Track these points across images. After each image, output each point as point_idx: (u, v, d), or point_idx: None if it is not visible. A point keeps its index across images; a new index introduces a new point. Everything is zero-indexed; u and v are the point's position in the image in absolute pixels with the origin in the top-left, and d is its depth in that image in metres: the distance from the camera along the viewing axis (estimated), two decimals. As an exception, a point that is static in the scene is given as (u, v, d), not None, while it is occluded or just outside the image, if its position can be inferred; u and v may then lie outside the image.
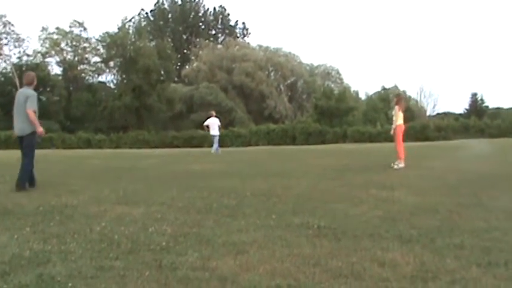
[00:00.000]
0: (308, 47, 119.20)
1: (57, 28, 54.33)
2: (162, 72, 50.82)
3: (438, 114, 68.05)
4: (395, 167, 11.21)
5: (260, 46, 69.42)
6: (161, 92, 49.03)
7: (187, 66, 68.06)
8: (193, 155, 20.57)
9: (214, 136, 21.65)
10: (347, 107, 47.42)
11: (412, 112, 70.76)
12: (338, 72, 73.54)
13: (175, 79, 58.90)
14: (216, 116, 21.92)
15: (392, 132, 12.23)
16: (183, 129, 47.40)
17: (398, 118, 11.84)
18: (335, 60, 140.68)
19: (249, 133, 44.30)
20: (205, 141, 40.96)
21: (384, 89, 63.62)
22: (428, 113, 69.81)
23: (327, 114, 46.10)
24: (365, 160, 14.44)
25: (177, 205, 6.18)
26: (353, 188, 7.72)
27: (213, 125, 21.64)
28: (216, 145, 21.63)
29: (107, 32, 51.57)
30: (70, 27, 54.69)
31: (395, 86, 74.53)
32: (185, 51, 73.66)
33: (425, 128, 39.62)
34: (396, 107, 12.02)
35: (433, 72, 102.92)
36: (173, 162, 15.79)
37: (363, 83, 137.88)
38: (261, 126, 45.66)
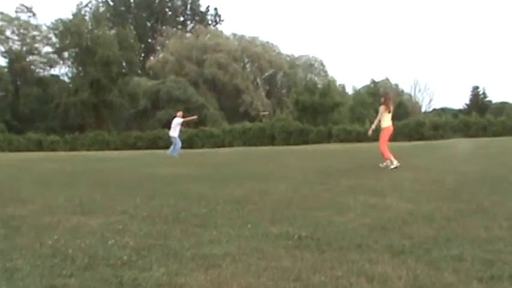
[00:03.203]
0: (288, 35, 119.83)
1: (1, 13, 53.31)
2: (124, 64, 50.42)
3: (435, 110, 69.05)
4: (391, 167, 11.54)
5: (234, 35, 69.63)
6: (123, 86, 48.66)
7: (152, 58, 67.81)
8: (159, 158, 20.44)
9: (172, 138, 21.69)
10: (332, 103, 47.73)
11: (406, 108, 71.65)
12: (322, 64, 74.13)
13: (139, 72, 58.54)
14: (183, 116, 21.94)
15: (370, 132, 12.62)
16: (147, 129, 47.16)
17: (385, 119, 12.26)
18: (318, 51, 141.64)
19: (222, 133, 44.29)
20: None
21: (373, 82, 64.28)
22: (423, 109, 70.85)
23: (309, 110, 46.34)
24: (352, 162, 14.54)
25: (141, 214, 6.13)
26: (338, 193, 7.77)
27: (173, 125, 21.67)
28: (172, 147, 21.76)
29: (59, 19, 50.90)
30: (16, 12, 53.75)
31: (387, 79, 75.44)
32: (150, 40, 73.34)
33: (420, 126, 39.81)
34: (381, 107, 12.39)
35: (428, 63, 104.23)
36: (137, 165, 15.67)
37: (349, 75, 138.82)
38: (236, 125, 45.70)
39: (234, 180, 9.93)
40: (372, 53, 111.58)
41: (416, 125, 39.88)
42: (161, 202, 7.06)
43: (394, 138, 37.26)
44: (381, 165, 12.01)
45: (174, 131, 21.46)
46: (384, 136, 12.31)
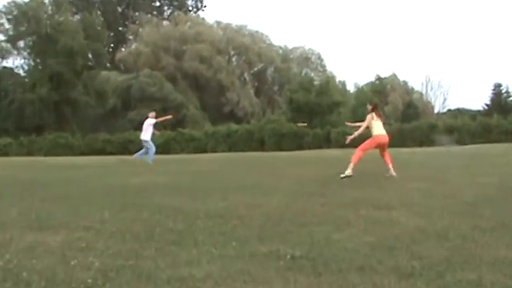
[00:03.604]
0: (281, 24, 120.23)
1: None
2: (90, 55, 50.40)
3: (450, 111, 69.49)
4: (342, 175, 12.01)
5: (218, 23, 69.62)
6: (88, 82, 48.61)
7: (123, 49, 67.80)
8: (130, 165, 20.40)
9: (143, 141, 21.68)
10: (331, 102, 47.94)
11: (416, 108, 72.24)
12: (319, 57, 74.53)
13: (108, 65, 58.61)
14: (156, 117, 21.94)
15: (347, 141, 13.27)
16: (117, 131, 47.07)
17: (375, 127, 12.88)
18: (315, 42, 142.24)
19: (204, 136, 44.38)
20: (158, 148, 40.80)
21: (378, 78, 64.77)
22: (436, 110, 71.39)
23: (305, 111, 46.53)
24: (354, 171, 14.60)
25: (109, 230, 6.10)
26: (338, 206, 7.79)
27: (145, 126, 21.66)
28: (143, 150, 21.76)
29: (13, 1, 50.61)
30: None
31: (394, 75, 76.00)
32: (120, 28, 73.31)
33: (433, 129, 39.97)
34: (369, 116, 12.97)
35: (442, 57, 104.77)
36: (104, 174, 15.64)
37: (351, 71, 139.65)
38: (220, 127, 45.81)
39: (217, 191, 9.94)
40: (377, 45, 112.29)
41: (428, 128, 40.09)
42: (132, 216, 7.05)
43: (401, 143, 37.38)
44: (386, 174, 12.38)
45: (146, 134, 21.44)
46: (370, 144, 12.85)
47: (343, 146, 38.95)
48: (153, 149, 21.50)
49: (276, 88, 67.81)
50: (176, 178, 13.37)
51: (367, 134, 13.13)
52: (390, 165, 12.64)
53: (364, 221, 6.53)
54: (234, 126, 45.98)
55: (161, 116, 22.95)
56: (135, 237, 5.75)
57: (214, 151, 40.74)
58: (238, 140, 42.94)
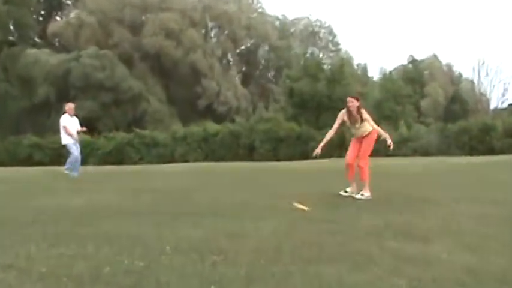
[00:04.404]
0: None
1: None
2: (11, 27, 50.21)
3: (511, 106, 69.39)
4: (358, 196, 12.80)
5: (192, -17, 69.69)
6: (9, 63, 48.45)
7: (58, 18, 67.57)
8: (68, 179, 20.37)
9: (67, 145, 21.66)
10: (346, 94, 47.82)
11: (464, 103, 72.32)
12: (330, 32, 74.77)
13: (37, 41, 58.33)
14: (75, 115, 21.96)
15: (317, 152, 13.50)
16: (50, 132, 46.77)
17: (370, 120, 13.52)
18: (324, 12, 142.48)
19: (172, 139, 44.34)
20: (92, 151, 40.70)
21: (413, 61, 65.04)
22: (493, 105, 71.38)
23: (311, 106, 46.55)
24: (377, 188, 14.63)
25: (37, 270, 6.09)
26: (355, 236, 7.82)
27: (61, 125, 21.64)
28: (69, 159, 21.77)
29: None
30: None
31: (434, 57, 76.32)
32: (55, -10, 73.20)
33: (489, 131, 40.00)
34: (363, 111, 13.49)
35: (501, 34, 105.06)
36: (32, 192, 15.56)
37: (375, 50, 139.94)
38: (193, 128, 45.77)
39: (190, 215, 9.96)
40: (410, 15, 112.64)
41: (483, 130, 40.11)
42: (71, 250, 7.01)
43: (444, 150, 37.63)
44: (341, 192, 13.37)
45: (65, 136, 21.43)
46: (372, 144, 13.55)
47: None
48: (75, 155, 21.46)
49: (271, 74, 67.97)
50: (133, 197, 13.33)
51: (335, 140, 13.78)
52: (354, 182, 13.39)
53: (392, 258, 6.57)
54: (212, 126, 45.87)
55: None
56: (75, 280, 5.73)
57: (186, 160, 40.72)
58: (219, 145, 42.90)
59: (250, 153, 41.55)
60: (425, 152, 39.84)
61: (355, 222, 9.06)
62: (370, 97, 55.42)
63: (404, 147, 39.78)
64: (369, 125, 13.41)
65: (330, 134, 13.58)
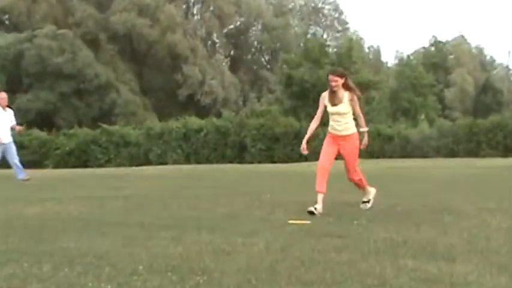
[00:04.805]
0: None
1: None
2: None
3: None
4: (368, 204, 12.66)
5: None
6: None
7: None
8: (20, 184, 20.40)
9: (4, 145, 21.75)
10: (355, 82, 47.75)
11: (497, 94, 72.22)
12: (337, 8, 74.75)
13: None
14: (8, 107, 21.99)
15: (304, 149, 13.21)
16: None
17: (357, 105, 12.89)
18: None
19: (146, 137, 44.26)
20: (49, 151, 40.60)
21: (435, 43, 65.07)
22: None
23: (312, 96, 46.50)
24: (391, 195, 14.72)
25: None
26: (366, 254, 7.84)
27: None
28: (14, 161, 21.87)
29: None
30: None
31: (461, 38, 76.33)
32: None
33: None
34: (354, 96, 12.78)
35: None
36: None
37: (389, 32, 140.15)
38: (173, 123, 45.66)
39: (167, 228, 9.99)
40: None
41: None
42: (24, 271, 7.03)
43: (473, 149, 37.89)
44: (363, 206, 12.78)
45: (3, 133, 21.47)
46: (357, 148, 13.00)
47: (376, 154, 39.30)
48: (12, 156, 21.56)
49: (264, 59, 67.93)
50: (99, 207, 13.35)
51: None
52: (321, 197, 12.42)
53: (409, 280, 6.57)
54: (195, 121, 45.68)
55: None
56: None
57: (163, 162, 40.66)
58: (202, 144, 42.80)
59: (240, 154, 41.52)
60: (451, 153, 39.85)
61: (365, 236, 9.06)
62: (385, 86, 55.36)
63: (426, 146, 39.80)
64: (352, 120, 12.91)
65: (314, 124, 13.18)
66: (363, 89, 48.59)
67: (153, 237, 9.20)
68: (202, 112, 53.33)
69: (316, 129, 13.32)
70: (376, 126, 41.86)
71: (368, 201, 12.79)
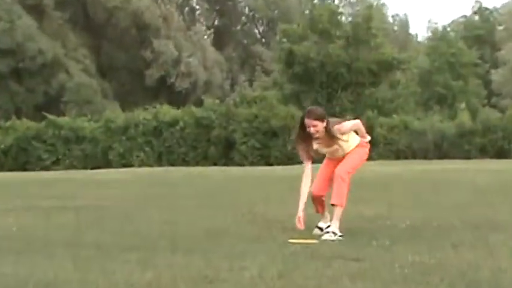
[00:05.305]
0: None
1: None
2: None
3: None
4: (331, 237, 11.55)
5: None
6: None
7: None
8: None
9: None
10: (376, 61, 48.00)
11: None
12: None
13: None
14: None
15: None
16: None
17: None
18: None
19: (105, 130, 44.45)
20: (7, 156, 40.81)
21: (480, 10, 65.53)
22: None
23: (319, 79, 46.67)
24: (425, 205, 14.74)
25: None
26: (389, 282, 7.78)
27: None
28: None
29: None
30: None
31: (510, 3, 76.56)
32: None
33: None
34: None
35: None
36: None
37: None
38: (140, 113, 45.88)
39: (133, 249, 9.95)
40: None
41: None
42: None
43: (497, 151, 38.35)
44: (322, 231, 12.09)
45: None
46: (362, 158, 12.63)
47: (404, 154, 39.36)
48: None
49: (258, 31, 68.16)
50: (44, 221, 13.37)
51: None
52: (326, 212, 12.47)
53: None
54: (168, 111, 45.93)
55: None
56: None
57: (126, 164, 40.89)
58: (178, 140, 43.00)
59: (226, 153, 41.71)
60: (500, 152, 40.06)
61: (387, 260, 8.97)
62: (413, 66, 55.42)
63: (467, 144, 40.05)
64: (353, 137, 12.52)
65: (306, 186, 12.30)
66: (385, 69, 48.75)
67: (113, 259, 9.14)
68: (177, 99, 53.49)
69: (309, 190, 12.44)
70: (402, 118, 42.08)
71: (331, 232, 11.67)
